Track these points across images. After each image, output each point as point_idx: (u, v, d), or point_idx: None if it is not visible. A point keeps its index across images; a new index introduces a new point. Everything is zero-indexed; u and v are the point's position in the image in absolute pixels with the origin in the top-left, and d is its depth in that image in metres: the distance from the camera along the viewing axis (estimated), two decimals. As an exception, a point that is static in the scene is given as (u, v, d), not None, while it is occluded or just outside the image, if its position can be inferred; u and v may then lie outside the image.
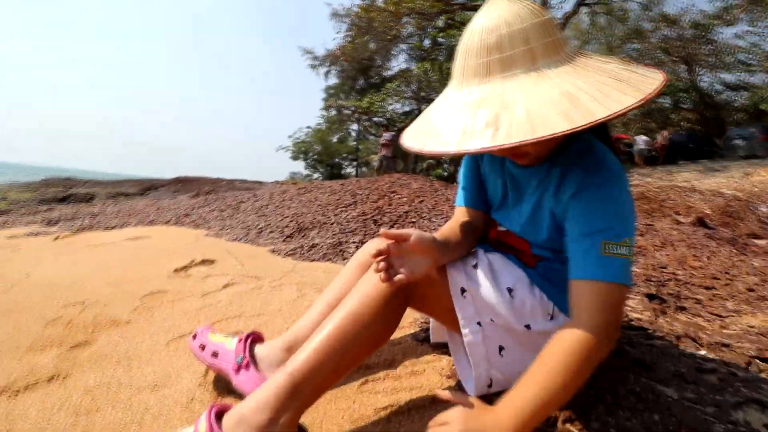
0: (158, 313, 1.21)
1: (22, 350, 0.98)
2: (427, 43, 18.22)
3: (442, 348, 0.99)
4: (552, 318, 0.75)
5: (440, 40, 15.85)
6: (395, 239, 0.68)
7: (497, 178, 0.85)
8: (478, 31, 0.62)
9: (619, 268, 0.61)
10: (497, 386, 0.75)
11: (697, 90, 16.55)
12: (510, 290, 0.75)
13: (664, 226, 2.54)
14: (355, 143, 23.10)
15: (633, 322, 1.16)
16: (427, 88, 14.25)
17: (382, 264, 0.66)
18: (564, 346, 0.59)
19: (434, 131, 0.64)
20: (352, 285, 0.75)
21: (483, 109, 0.59)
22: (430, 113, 0.70)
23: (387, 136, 9.07)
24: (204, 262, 1.80)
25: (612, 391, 0.77)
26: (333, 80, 22.74)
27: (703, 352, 0.98)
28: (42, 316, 1.18)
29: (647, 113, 16.51)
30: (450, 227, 0.84)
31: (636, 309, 1.27)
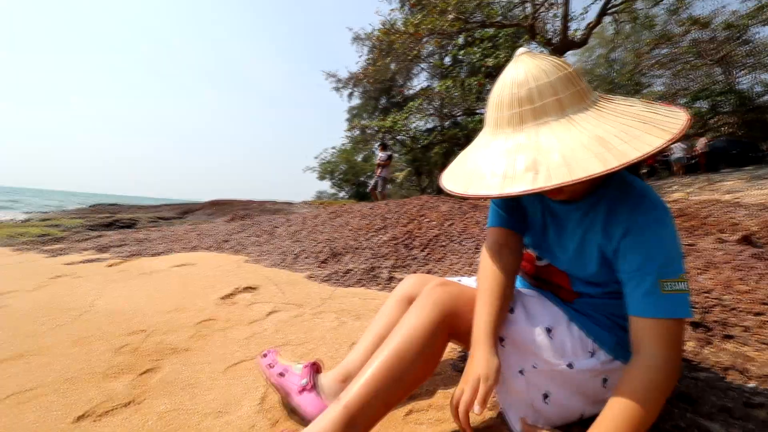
0: (212, 341, 1.32)
1: (98, 377, 1.10)
2: (447, 60, 18.45)
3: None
4: (593, 355, 0.77)
5: (460, 57, 16.02)
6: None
7: (534, 204, 0.86)
8: (509, 85, 0.68)
9: (681, 304, 0.64)
10: (541, 423, 0.77)
11: (735, 93, 15.76)
12: (549, 330, 0.77)
13: (707, 246, 2.43)
14: (379, 161, 23.44)
15: (675, 352, 1.14)
16: (449, 104, 14.35)
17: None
18: (636, 385, 0.61)
19: (475, 176, 0.69)
20: (395, 321, 0.81)
21: (521, 155, 0.64)
22: (466, 158, 0.75)
23: (383, 156, 8.32)
24: (247, 289, 1.91)
25: (656, 426, 0.78)
26: (356, 101, 23.39)
27: (751, 385, 0.96)
28: (110, 343, 1.30)
29: (683, 119, 15.80)
30: (493, 274, 0.80)
31: (678, 337, 1.25)
